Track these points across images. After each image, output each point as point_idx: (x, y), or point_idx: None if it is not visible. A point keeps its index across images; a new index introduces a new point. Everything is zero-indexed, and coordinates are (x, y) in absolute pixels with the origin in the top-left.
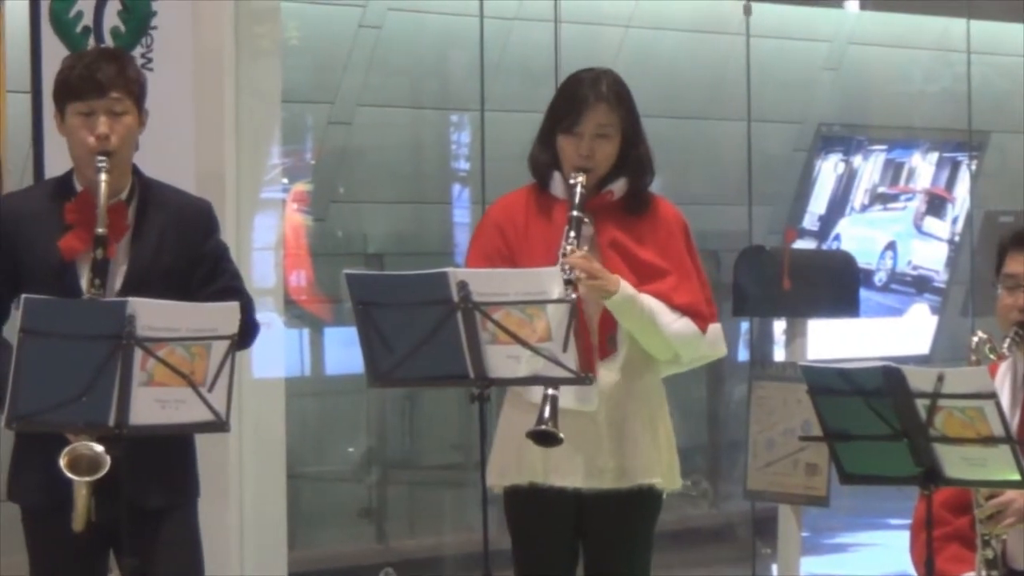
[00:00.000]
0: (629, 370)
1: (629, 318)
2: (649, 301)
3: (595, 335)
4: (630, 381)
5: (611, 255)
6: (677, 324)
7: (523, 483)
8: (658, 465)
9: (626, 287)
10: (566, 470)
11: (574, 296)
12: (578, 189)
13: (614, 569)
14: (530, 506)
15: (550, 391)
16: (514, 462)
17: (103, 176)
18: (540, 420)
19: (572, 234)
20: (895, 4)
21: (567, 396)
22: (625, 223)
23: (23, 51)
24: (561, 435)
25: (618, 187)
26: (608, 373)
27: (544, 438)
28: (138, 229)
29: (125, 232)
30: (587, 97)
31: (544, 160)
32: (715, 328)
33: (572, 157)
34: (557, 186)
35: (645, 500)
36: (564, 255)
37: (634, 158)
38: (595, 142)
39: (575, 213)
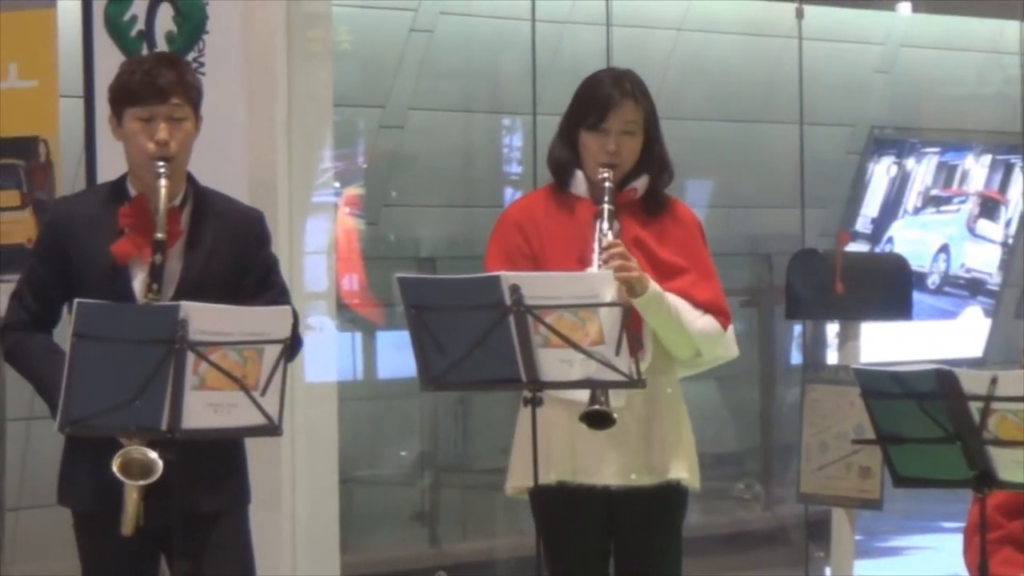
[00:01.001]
0: (653, 369)
1: (656, 315)
2: (673, 299)
3: None
4: (654, 379)
5: (635, 252)
6: (700, 321)
7: (551, 482)
8: (684, 461)
9: (654, 286)
10: (596, 468)
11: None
12: (607, 185)
13: (647, 567)
14: (559, 505)
15: None
16: (541, 461)
17: (163, 181)
18: (593, 399)
19: (606, 226)
20: (947, 6)
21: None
22: (646, 221)
23: (76, 56)
24: (615, 415)
25: (640, 185)
26: None
27: (598, 419)
28: (192, 236)
29: (179, 237)
30: (612, 95)
31: (565, 158)
32: (729, 330)
33: (598, 154)
34: (579, 185)
35: (674, 496)
36: (601, 245)
37: (655, 157)
38: (621, 139)
39: (607, 206)
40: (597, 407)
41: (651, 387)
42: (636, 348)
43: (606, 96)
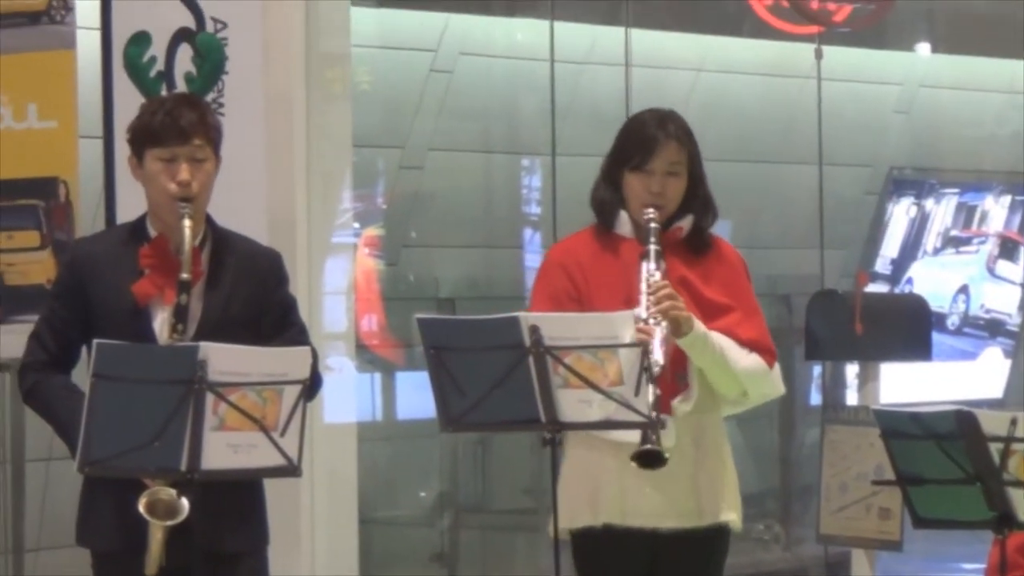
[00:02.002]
0: (700, 407)
1: (702, 355)
2: (719, 338)
3: (667, 373)
4: (701, 419)
5: (680, 292)
6: (746, 360)
7: (597, 525)
8: (732, 502)
9: (699, 325)
10: (645, 510)
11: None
12: (652, 225)
13: None
14: (604, 548)
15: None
16: (587, 503)
17: (187, 222)
18: (645, 439)
19: (653, 266)
20: (966, 47)
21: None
22: (691, 261)
23: (95, 97)
24: (667, 454)
25: (685, 224)
26: (682, 406)
27: (649, 459)
28: (211, 276)
29: (200, 278)
30: (657, 136)
31: (610, 199)
32: (775, 367)
33: (642, 195)
34: (623, 225)
35: (719, 539)
36: (649, 286)
37: (700, 196)
38: (666, 180)
39: (654, 247)
40: (649, 446)
41: (698, 427)
42: (681, 387)
43: (650, 137)
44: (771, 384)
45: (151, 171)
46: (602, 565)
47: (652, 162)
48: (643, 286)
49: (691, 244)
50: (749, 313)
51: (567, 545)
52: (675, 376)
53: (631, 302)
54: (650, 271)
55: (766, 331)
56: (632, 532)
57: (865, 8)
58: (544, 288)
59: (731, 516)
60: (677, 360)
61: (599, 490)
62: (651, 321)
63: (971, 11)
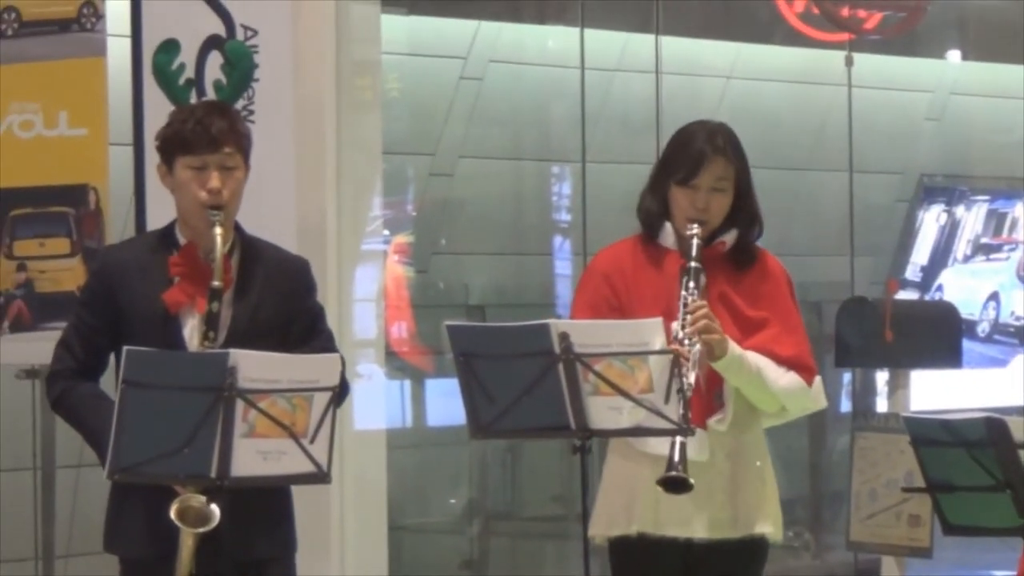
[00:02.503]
0: (737, 423)
1: (737, 376)
2: (755, 358)
3: (702, 392)
4: (740, 433)
5: (719, 309)
6: (784, 379)
7: (632, 533)
8: (769, 515)
9: (734, 348)
10: (679, 519)
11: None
12: (695, 241)
13: None
14: (638, 557)
15: (679, 438)
16: (623, 512)
17: (218, 230)
18: (670, 466)
19: (692, 284)
20: (997, 54)
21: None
22: (733, 276)
23: (125, 104)
24: (692, 481)
25: (729, 238)
26: (717, 426)
27: (675, 485)
28: (241, 284)
29: (230, 286)
30: (705, 150)
31: (655, 210)
32: (817, 381)
33: (687, 209)
34: (667, 237)
35: (755, 550)
36: (686, 306)
37: (746, 210)
38: (711, 195)
39: (694, 264)
40: (674, 474)
41: (735, 443)
42: (717, 406)
43: (698, 152)
44: (811, 399)
45: (181, 179)
46: (638, 573)
47: (698, 177)
48: (680, 304)
49: (735, 258)
50: (789, 329)
51: (603, 552)
52: (711, 395)
53: (671, 314)
54: (689, 290)
55: (807, 348)
56: (665, 541)
57: (896, 15)
58: (585, 297)
59: (768, 528)
60: (712, 379)
61: (635, 499)
62: (686, 342)
63: (1002, 18)
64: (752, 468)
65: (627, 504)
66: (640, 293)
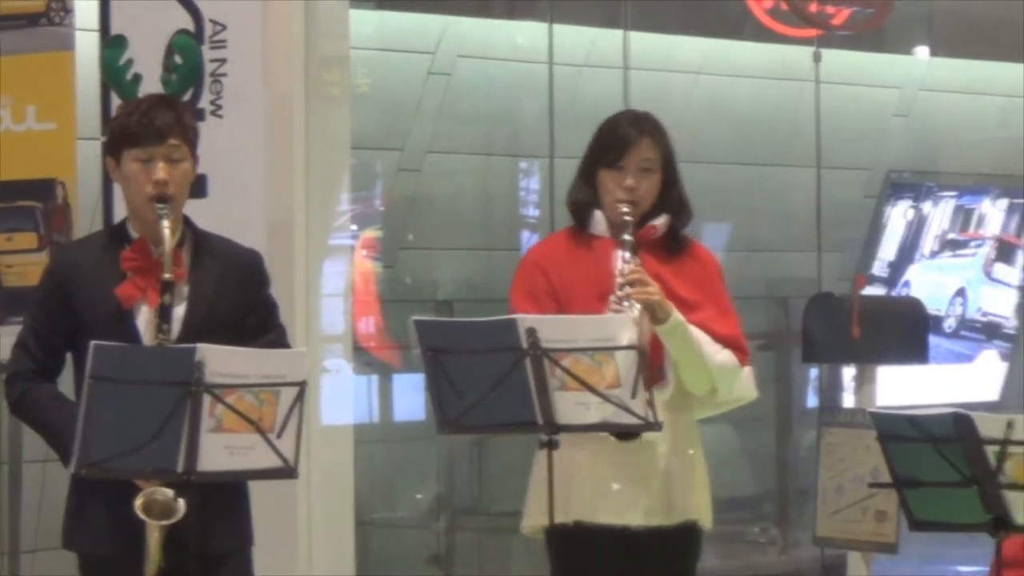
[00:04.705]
0: (672, 406)
1: (680, 345)
2: (695, 330)
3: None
4: (674, 417)
5: (655, 282)
6: (720, 355)
7: (568, 522)
8: (702, 502)
9: (677, 314)
10: (616, 507)
11: (634, 305)
12: (627, 219)
13: None
14: (577, 546)
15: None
16: (559, 501)
17: (166, 223)
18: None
19: (628, 254)
20: (965, 50)
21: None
22: (665, 260)
23: (93, 98)
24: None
25: (660, 224)
26: (660, 395)
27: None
28: (194, 277)
29: (182, 279)
30: (630, 133)
31: (585, 199)
32: (747, 371)
33: (616, 191)
34: (598, 224)
35: (691, 537)
36: (622, 273)
37: (674, 197)
38: (640, 176)
39: (628, 237)
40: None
41: (670, 425)
42: (658, 378)
43: (624, 135)
44: (742, 386)
45: (128, 172)
46: (575, 562)
47: (626, 158)
48: (617, 272)
49: (666, 244)
50: (723, 312)
51: (536, 546)
52: (654, 369)
53: (606, 297)
54: (624, 259)
55: (740, 330)
56: (603, 530)
57: (864, 11)
58: (523, 286)
59: (701, 515)
60: (655, 353)
61: (571, 488)
62: (625, 303)
63: (970, 14)
64: (685, 455)
65: (563, 493)
66: (575, 280)
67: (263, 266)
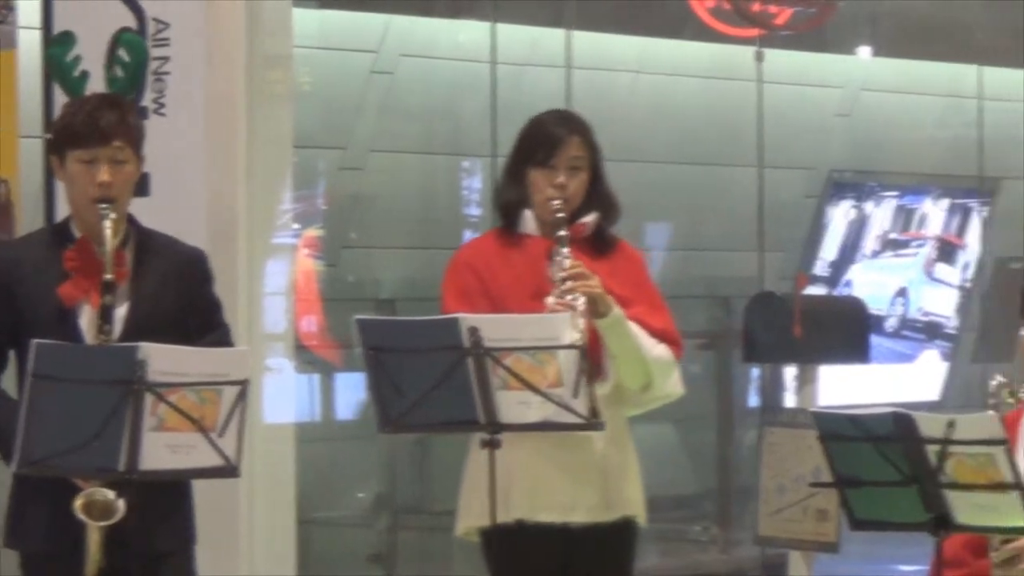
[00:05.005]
0: (608, 402)
1: (619, 338)
2: (632, 324)
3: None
4: (611, 413)
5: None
6: (657, 349)
7: (509, 521)
8: (637, 498)
9: (617, 308)
10: (556, 504)
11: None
12: (560, 215)
13: None
14: (517, 545)
15: None
16: (499, 501)
17: (108, 223)
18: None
19: (566, 250)
20: (907, 51)
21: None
22: (595, 258)
23: (36, 96)
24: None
25: (589, 221)
26: (601, 389)
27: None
28: (137, 276)
29: (125, 278)
30: (559, 132)
31: (513, 198)
32: (676, 367)
33: (547, 189)
34: (527, 223)
35: (628, 533)
36: (562, 268)
37: (602, 195)
38: (569, 174)
39: (564, 233)
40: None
41: (607, 421)
42: (597, 374)
43: (552, 133)
44: (673, 382)
45: (72, 172)
46: (515, 562)
47: (556, 157)
48: (556, 269)
49: (594, 242)
50: (656, 307)
51: (470, 548)
52: (593, 364)
53: (540, 295)
54: (563, 254)
55: (673, 323)
56: (543, 528)
57: (806, 11)
58: (455, 286)
59: (638, 511)
60: (594, 349)
61: (511, 487)
62: (568, 297)
63: (912, 15)
64: (621, 451)
65: (503, 493)
66: (506, 280)
67: (207, 265)
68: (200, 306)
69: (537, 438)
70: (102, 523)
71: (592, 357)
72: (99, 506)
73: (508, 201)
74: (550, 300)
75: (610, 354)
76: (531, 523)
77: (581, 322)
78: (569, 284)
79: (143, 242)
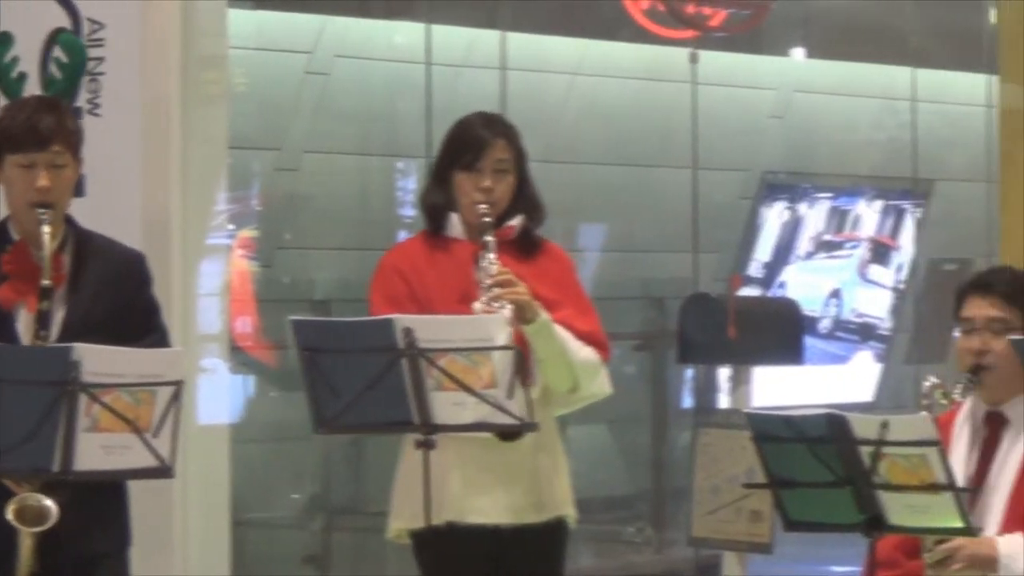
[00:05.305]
0: (537, 406)
1: (546, 343)
2: (559, 328)
3: None
4: (540, 415)
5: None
6: (583, 352)
7: (440, 523)
8: (567, 498)
9: (544, 313)
10: (485, 506)
11: (504, 306)
12: (487, 219)
13: None
14: (447, 547)
15: None
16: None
17: (46, 228)
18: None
19: (493, 256)
20: (841, 52)
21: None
22: (522, 260)
23: None
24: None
25: (516, 223)
26: (531, 393)
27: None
28: (74, 279)
29: (62, 282)
30: (485, 135)
31: (440, 202)
32: (604, 367)
33: (473, 193)
34: (454, 227)
35: (559, 533)
36: (489, 274)
37: (528, 197)
38: (496, 177)
39: (490, 238)
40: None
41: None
42: (526, 378)
43: (478, 136)
44: (600, 383)
45: (10, 177)
46: (446, 563)
47: (482, 160)
48: (483, 275)
49: (521, 244)
50: (583, 309)
51: (401, 550)
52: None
53: (466, 300)
54: (490, 260)
55: (599, 326)
56: (474, 530)
57: (741, 13)
58: (382, 291)
59: (568, 511)
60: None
61: (442, 489)
62: (495, 304)
63: (845, 17)
64: (550, 453)
65: (434, 494)
66: (433, 284)
67: (145, 267)
68: (138, 309)
69: (466, 440)
70: (35, 529)
71: (523, 368)
72: (31, 512)
73: (434, 204)
74: (477, 306)
75: (537, 358)
76: (462, 525)
77: (509, 329)
78: (496, 291)
79: (81, 244)
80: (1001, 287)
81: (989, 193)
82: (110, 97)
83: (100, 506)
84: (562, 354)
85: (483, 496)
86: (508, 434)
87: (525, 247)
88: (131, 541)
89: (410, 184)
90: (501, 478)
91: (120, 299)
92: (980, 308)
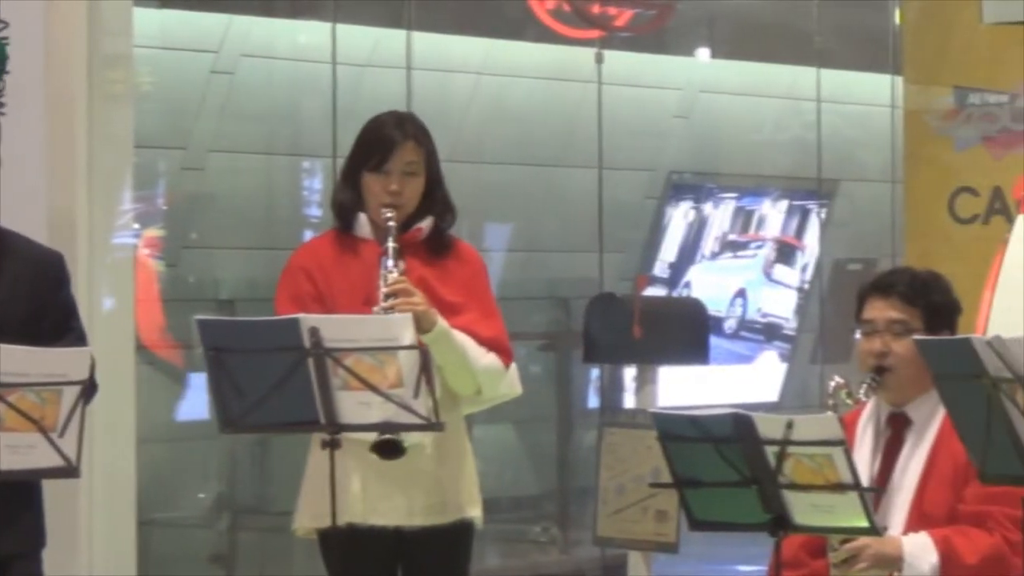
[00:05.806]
0: (442, 408)
1: (444, 352)
2: (459, 335)
3: None
4: (445, 417)
5: (419, 291)
6: (485, 359)
7: (341, 524)
8: (474, 498)
9: (442, 321)
10: (386, 508)
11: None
12: (391, 224)
13: None
14: (349, 548)
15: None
16: (330, 503)
17: None
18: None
19: (391, 263)
20: (746, 53)
21: None
22: (431, 262)
23: None
24: (405, 444)
25: (426, 225)
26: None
27: (388, 449)
28: None
29: None
30: (394, 136)
31: (349, 201)
32: (512, 368)
33: (380, 195)
34: (363, 227)
35: (464, 534)
36: (386, 282)
37: (438, 198)
38: (404, 179)
39: (392, 245)
40: (388, 436)
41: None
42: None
43: (387, 137)
44: (507, 384)
45: None
46: (348, 564)
47: (390, 162)
48: (381, 283)
49: (431, 245)
50: (488, 314)
51: (305, 544)
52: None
53: (371, 302)
54: (388, 268)
55: (504, 332)
56: (375, 531)
57: (646, 13)
58: (287, 291)
59: (475, 512)
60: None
61: (342, 490)
62: (390, 314)
63: (750, 17)
64: (455, 452)
65: (338, 494)
66: (340, 284)
67: (63, 267)
68: (53, 310)
69: (369, 442)
70: None
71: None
72: None
73: (343, 204)
74: (376, 310)
75: (436, 364)
76: (363, 526)
77: (414, 328)
78: (391, 301)
79: None
80: (901, 288)
81: (893, 193)
82: (15, 96)
83: (11, 506)
84: (462, 361)
85: (383, 500)
86: (392, 451)
87: (435, 248)
88: (45, 542)
89: (316, 184)
90: (401, 483)
91: (36, 299)
92: (880, 310)
